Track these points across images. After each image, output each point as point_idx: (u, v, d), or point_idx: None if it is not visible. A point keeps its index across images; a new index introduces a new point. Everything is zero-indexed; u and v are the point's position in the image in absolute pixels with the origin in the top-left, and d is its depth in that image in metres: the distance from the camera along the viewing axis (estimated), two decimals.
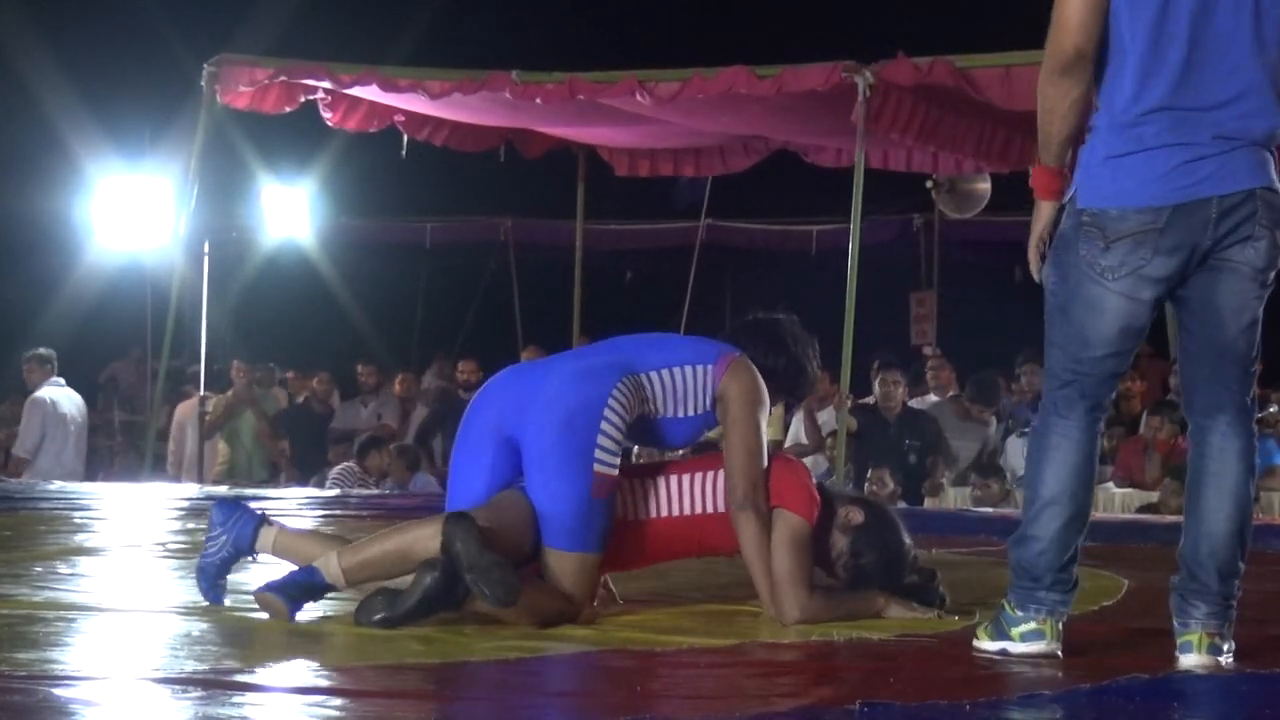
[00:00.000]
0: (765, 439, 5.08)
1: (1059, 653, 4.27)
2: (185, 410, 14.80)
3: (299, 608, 4.82)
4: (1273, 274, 4.17)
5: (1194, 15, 4.07)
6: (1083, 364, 4.19)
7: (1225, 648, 4.20)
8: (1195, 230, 4.08)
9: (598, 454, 4.88)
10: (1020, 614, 4.28)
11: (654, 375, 5.09)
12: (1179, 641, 4.22)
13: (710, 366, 5.10)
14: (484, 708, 3.80)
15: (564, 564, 4.90)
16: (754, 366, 5.14)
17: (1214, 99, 4.08)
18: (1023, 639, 4.27)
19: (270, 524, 5.06)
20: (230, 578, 5.08)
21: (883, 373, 12.40)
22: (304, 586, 4.83)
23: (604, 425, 4.91)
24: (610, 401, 4.95)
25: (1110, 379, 4.25)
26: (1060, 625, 4.30)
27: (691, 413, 5.12)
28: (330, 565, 4.81)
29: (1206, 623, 4.20)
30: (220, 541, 5.00)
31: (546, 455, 4.90)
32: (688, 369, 5.11)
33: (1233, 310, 4.16)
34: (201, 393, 14.62)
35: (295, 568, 4.92)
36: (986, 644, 4.34)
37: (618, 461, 4.95)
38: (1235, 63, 4.09)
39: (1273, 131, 4.14)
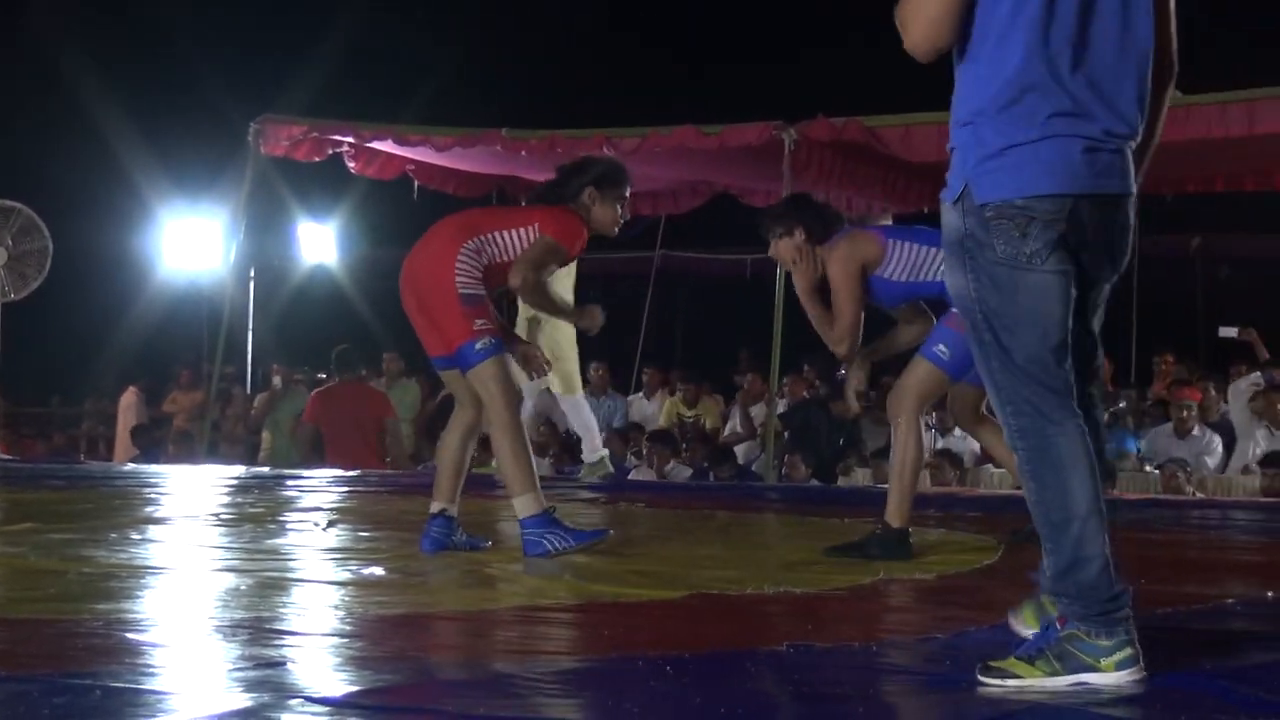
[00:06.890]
0: None
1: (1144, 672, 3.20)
2: (126, 400, 15.18)
3: None
4: (1123, 267, 3.44)
5: (1079, 15, 3.20)
6: (1046, 357, 3.23)
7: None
8: (1087, 224, 3.25)
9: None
10: (1109, 642, 3.18)
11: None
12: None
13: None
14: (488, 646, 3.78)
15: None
16: None
17: (1100, 101, 3.22)
18: (1118, 667, 3.17)
19: None
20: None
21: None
22: None
23: None
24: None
25: (1064, 364, 3.26)
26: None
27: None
28: None
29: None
30: None
31: None
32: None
33: (1093, 305, 3.42)
34: (248, 392, 14.64)
35: None
36: (1050, 681, 3.16)
37: None
38: (1115, 66, 3.24)
39: (1135, 133, 3.30)
